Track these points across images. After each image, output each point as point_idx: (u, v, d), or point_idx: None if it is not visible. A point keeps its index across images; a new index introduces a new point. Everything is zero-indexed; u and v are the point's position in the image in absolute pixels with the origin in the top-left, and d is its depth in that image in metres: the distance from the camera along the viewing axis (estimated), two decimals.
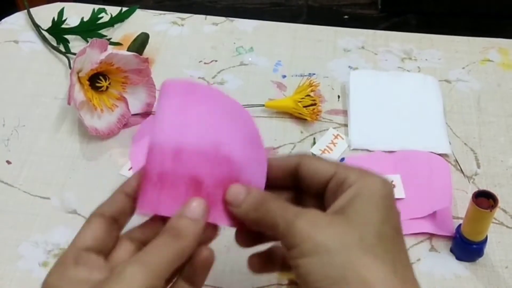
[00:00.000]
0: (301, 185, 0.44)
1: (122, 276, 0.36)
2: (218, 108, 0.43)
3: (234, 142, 0.43)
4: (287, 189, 0.45)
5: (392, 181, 0.64)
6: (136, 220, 0.44)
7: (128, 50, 0.77)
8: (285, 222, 0.39)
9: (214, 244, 0.60)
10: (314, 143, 0.70)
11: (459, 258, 0.59)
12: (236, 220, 0.43)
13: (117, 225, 0.42)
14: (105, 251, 0.41)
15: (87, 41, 0.81)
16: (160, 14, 0.88)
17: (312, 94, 0.72)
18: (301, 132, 0.71)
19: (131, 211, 0.43)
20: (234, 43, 0.83)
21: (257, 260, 0.46)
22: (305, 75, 0.78)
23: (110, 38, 0.82)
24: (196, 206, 0.40)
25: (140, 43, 0.80)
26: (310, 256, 0.37)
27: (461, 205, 0.63)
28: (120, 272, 0.36)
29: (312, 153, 0.68)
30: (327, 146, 0.70)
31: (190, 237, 0.39)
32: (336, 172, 0.42)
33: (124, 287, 0.36)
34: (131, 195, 0.42)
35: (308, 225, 0.38)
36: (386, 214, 0.39)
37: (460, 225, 0.58)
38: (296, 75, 0.78)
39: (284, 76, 0.78)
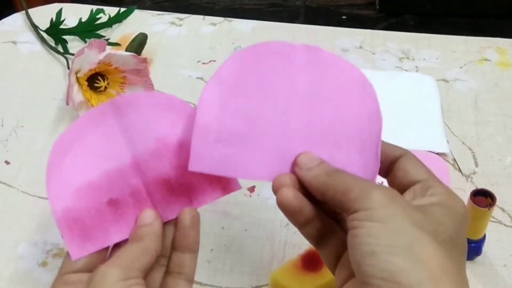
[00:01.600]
0: (388, 175, 0.45)
1: (97, 276, 0.40)
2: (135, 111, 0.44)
3: (173, 127, 0.44)
4: None
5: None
6: None
7: (127, 50, 0.78)
8: (361, 188, 0.39)
9: (214, 244, 0.60)
10: None
11: None
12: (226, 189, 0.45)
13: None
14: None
15: (86, 42, 0.81)
16: (158, 14, 0.88)
17: None
18: None
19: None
20: (233, 43, 0.83)
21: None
22: None
23: (109, 39, 0.82)
24: (146, 213, 0.44)
25: (138, 44, 0.80)
26: (379, 222, 0.37)
27: None
28: (95, 274, 0.40)
29: None
30: None
31: (150, 236, 0.43)
32: (427, 179, 0.42)
33: (101, 284, 0.39)
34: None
35: (386, 196, 0.39)
36: (460, 231, 0.40)
37: None
38: None
39: None
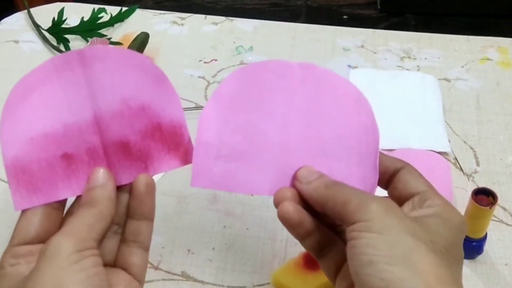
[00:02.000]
0: (388, 187, 0.45)
1: (50, 249, 0.38)
2: (112, 66, 0.43)
3: (140, 89, 0.43)
4: None
5: None
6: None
7: (128, 49, 0.78)
8: (359, 199, 0.40)
9: (215, 243, 0.60)
10: None
11: None
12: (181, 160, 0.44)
13: (58, 208, 0.42)
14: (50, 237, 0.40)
15: (87, 41, 0.81)
16: (160, 13, 0.88)
17: None
18: None
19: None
20: (234, 42, 0.83)
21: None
22: None
23: (110, 38, 0.82)
24: (99, 173, 0.42)
25: (140, 43, 0.80)
26: (377, 232, 0.38)
27: (461, 203, 0.63)
28: (47, 246, 0.38)
29: None
30: None
31: (104, 200, 0.41)
32: (425, 191, 0.43)
33: (54, 257, 0.37)
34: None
35: (384, 208, 0.39)
36: (456, 242, 0.40)
37: None
38: None
39: None
